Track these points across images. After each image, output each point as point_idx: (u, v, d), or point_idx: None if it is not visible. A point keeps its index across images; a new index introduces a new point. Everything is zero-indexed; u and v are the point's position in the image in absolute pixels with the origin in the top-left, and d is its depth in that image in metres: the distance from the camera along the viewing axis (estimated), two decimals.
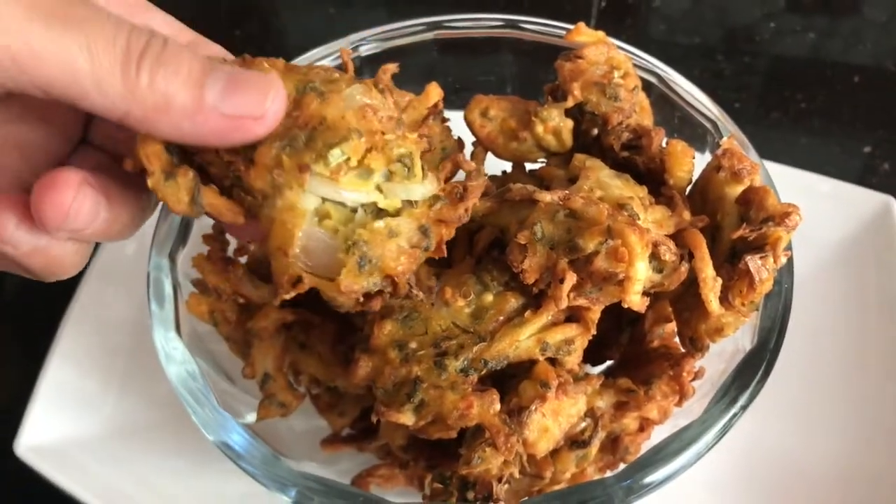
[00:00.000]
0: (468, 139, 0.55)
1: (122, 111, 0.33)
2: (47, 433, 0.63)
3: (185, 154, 0.38)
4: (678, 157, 0.48)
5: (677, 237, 0.44)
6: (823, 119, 0.90)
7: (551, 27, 0.59)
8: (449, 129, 0.53)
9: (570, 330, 0.45)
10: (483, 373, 0.43)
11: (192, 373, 0.50)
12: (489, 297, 0.45)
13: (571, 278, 0.41)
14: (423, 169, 0.40)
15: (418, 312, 0.44)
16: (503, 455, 0.43)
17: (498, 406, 0.42)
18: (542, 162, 0.54)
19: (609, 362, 0.56)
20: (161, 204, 0.50)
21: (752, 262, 0.43)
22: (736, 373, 0.48)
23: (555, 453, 0.48)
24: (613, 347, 0.54)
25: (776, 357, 0.48)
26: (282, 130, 0.37)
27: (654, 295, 0.45)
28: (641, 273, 0.40)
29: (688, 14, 1.01)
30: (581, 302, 0.42)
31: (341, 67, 0.46)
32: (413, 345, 0.44)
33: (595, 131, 0.51)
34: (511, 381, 0.45)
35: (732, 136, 0.53)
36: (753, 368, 0.47)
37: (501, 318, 0.44)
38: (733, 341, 0.49)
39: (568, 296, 0.41)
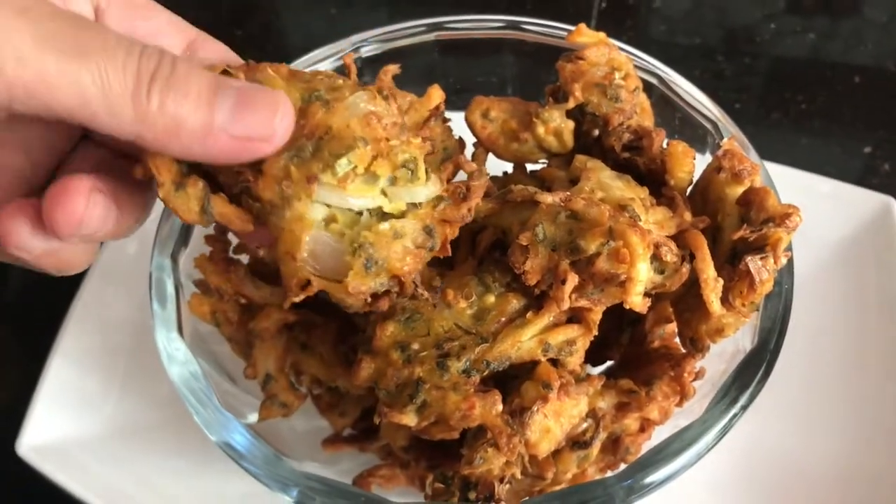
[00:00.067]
0: (469, 140, 0.55)
1: (133, 134, 0.34)
2: (49, 433, 0.63)
3: (193, 163, 0.39)
4: (679, 158, 0.48)
5: (678, 238, 0.44)
6: (824, 120, 0.90)
7: (552, 28, 0.59)
8: (450, 130, 0.53)
9: (572, 331, 0.45)
10: (485, 374, 0.43)
11: (195, 373, 0.50)
12: (491, 299, 0.45)
13: (573, 279, 0.41)
14: (426, 171, 0.40)
15: (420, 314, 0.45)
16: (505, 455, 0.43)
17: (500, 407, 0.42)
18: (543, 163, 0.55)
19: (610, 362, 0.56)
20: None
21: (753, 262, 0.43)
22: (736, 373, 0.48)
23: (556, 454, 0.48)
24: (614, 348, 0.54)
25: (776, 357, 0.48)
26: (289, 140, 0.37)
27: (655, 296, 0.45)
28: (643, 274, 0.40)
29: (688, 15, 1.01)
30: (583, 303, 0.42)
31: (342, 69, 0.47)
32: (415, 346, 0.44)
33: (596, 132, 0.51)
34: (513, 381, 0.45)
35: (733, 137, 0.53)
36: (754, 369, 0.48)
37: (503, 319, 0.44)
38: (734, 342, 0.49)
39: (570, 297, 0.41)
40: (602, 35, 0.54)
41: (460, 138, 0.54)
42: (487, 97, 0.54)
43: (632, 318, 0.53)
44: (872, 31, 0.98)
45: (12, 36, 0.30)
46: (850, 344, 0.67)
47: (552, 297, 0.42)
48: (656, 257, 0.42)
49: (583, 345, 0.46)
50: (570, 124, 0.52)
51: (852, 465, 0.62)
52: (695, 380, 0.50)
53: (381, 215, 0.39)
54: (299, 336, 0.54)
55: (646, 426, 0.50)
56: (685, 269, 0.43)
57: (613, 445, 0.51)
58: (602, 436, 0.49)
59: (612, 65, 0.52)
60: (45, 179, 0.41)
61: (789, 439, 0.63)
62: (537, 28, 0.59)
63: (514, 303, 0.44)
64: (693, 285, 0.45)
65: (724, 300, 0.44)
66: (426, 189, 0.40)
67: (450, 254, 0.41)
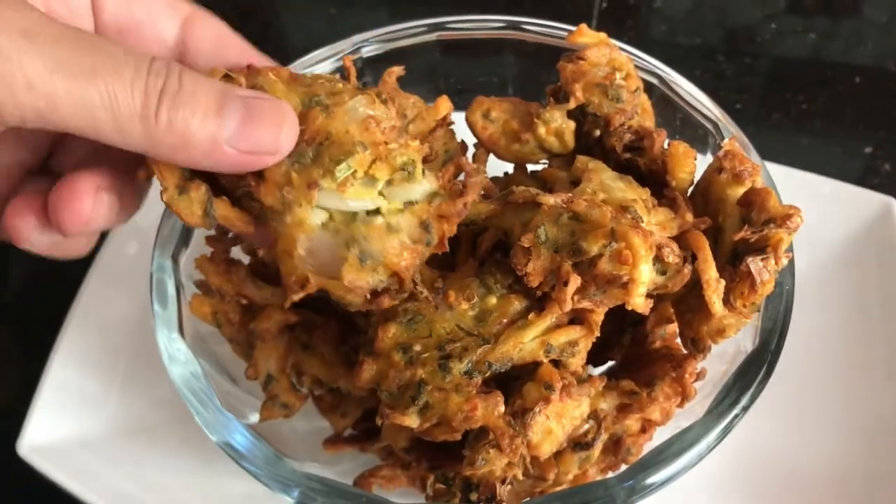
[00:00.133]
0: (470, 140, 0.55)
1: (142, 149, 0.35)
2: (49, 433, 0.63)
3: None
4: (680, 158, 0.48)
5: (680, 239, 0.44)
6: (824, 120, 0.90)
7: (553, 28, 0.59)
8: (452, 132, 0.53)
9: (574, 332, 0.45)
10: (487, 375, 0.43)
11: (196, 373, 0.50)
12: (493, 300, 0.45)
13: (575, 281, 0.41)
14: (422, 171, 0.41)
15: (422, 315, 0.45)
16: (507, 457, 0.43)
17: (502, 408, 0.42)
18: (544, 163, 0.54)
19: (611, 363, 0.56)
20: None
21: (754, 263, 0.43)
22: (737, 374, 0.48)
23: (558, 455, 0.48)
24: (615, 348, 0.54)
25: (777, 358, 0.48)
26: None
27: (656, 296, 0.45)
28: (645, 275, 0.40)
29: (689, 15, 1.01)
30: (585, 304, 0.42)
31: (343, 70, 0.47)
32: (417, 347, 0.44)
33: (597, 133, 0.51)
34: (515, 383, 0.45)
35: (734, 138, 0.53)
36: (755, 369, 0.48)
37: (505, 320, 0.44)
38: (735, 342, 0.49)
39: (572, 298, 0.41)
40: (603, 35, 0.54)
41: (462, 141, 0.54)
42: (488, 97, 0.54)
43: (633, 318, 0.53)
44: (873, 31, 0.98)
45: (22, 62, 0.31)
46: (852, 344, 0.67)
47: (554, 299, 0.42)
48: (658, 258, 0.42)
49: (585, 346, 0.45)
50: (572, 125, 0.52)
51: (854, 465, 0.62)
52: (696, 381, 0.50)
53: (377, 212, 0.39)
54: (301, 337, 0.54)
55: (647, 427, 0.50)
56: (687, 270, 0.43)
57: (615, 446, 0.51)
58: (603, 437, 0.49)
59: (613, 65, 0.52)
60: (42, 160, 0.41)
61: (790, 440, 0.63)
62: (538, 28, 0.59)
63: (516, 304, 0.44)
64: (694, 286, 0.45)
65: (726, 301, 0.44)
66: (421, 186, 0.40)
67: (447, 249, 0.41)
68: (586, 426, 0.48)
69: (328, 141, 0.38)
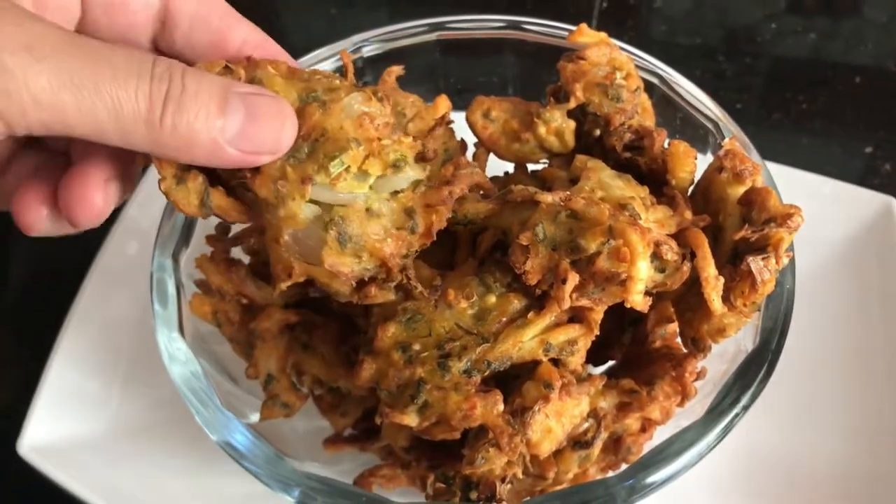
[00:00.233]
0: (470, 140, 0.55)
1: (145, 150, 0.36)
2: (50, 433, 0.63)
3: None
4: (680, 158, 0.48)
5: (679, 237, 0.44)
6: (825, 120, 0.90)
7: (553, 28, 0.59)
8: (452, 132, 0.53)
9: (574, 331, 0.45)
10: (486, 374, 0.43)
11: (196, 373, 0.50)
12: (492, 299, 0.45)
13: (574, 279, 0.41)
14: (411, 164, 0.42)
15: (421, 314, 0.45)
16: (506, 455, 0.43)
17: (501, 407, 0.42)
18: (545, 163, 0.54)
19: (611, 362, 0.56)
20: (166, 204, 0.51)
21: (754, 262, 0.43)
22: (738, 373, 0.48)
23: (558, 454, 0.48)
24: (616, 348, 0.54)
25: (778, 357, 0.48)
26: None
27: (656, 295, 0.45)
28: (643, 273, 0.40)
29: (689, 15, 1.01)
30: (584, 302, 0.42)
31: (342, 70, 0.47)
32: (416, 346, 0.44)
33: (597, 132, 0.51)
34: (514, 381, 0.45)
35: (734, 137, 0.53)
36: (755, 369, 0.48)
37: (504, 319, 0.44)
38: (735, 342, 0.49)
39: (570, 296, 0.41)
40: (603, 35, 0.54)
41: (462, 140, 0.54)
42: (488, 97, 0.54)
43: (633, 317, 0.53)
44: (873, 31, 0.98)
45: (27, 79, 0.31)
46: (852, 344, 0.67)
47: (553, 297, 0.42)
48: (657, 256, 0.42)
49: (584, 344, 0.45)
50: (572, 124, 0.52)
51: (854, 465, 0.62)
52: (696, 380, 0.50)
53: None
54: (301, 336, 0.54)
55: (647, 426, 0.50)
56: (686, 267, 0.43)
57: (615, 445, 0.51)
58: (603, 436, 0.49)
59: (613, 65, 0.52)
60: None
61: (791, 439, 0.63)
62: (538, 28, 0.59)
63: (516, 303, 0.44)
64: (694, 284, 0.45)
65: (726, 300, 0.44)
66: (405, 175, 0.41)
67: (434, 238, 0.42)
68: (586, 425, 0.48)
69: (323, 137, 0.39)
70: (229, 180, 0.41)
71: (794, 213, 0.43)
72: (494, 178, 0.56)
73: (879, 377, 0.65)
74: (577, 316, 0.45)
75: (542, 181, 0.51)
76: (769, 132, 0.89)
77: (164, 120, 0.34)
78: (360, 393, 0.53)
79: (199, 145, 0.36)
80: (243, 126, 0.36)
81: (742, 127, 0.55)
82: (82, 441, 0.64)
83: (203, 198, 0.40)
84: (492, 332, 0.44)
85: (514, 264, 0.43)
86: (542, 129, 0.51)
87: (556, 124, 0.51)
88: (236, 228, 0.53)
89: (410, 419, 0.43)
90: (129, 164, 0.40)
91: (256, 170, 0.39)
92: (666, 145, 0.49)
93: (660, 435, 0.49)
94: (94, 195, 0.38)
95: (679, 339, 0.51)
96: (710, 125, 0.56)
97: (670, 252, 0.42)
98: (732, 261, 0.45)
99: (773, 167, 0.59)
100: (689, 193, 0.49)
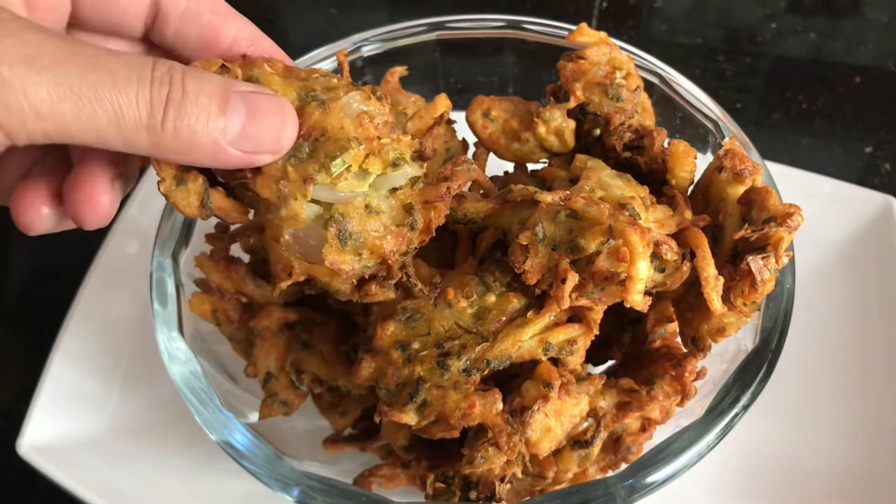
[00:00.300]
0: (472, 139, 0.55)
1: (147, 154, 0.36)
2: (49, 433, 0.63)
3: None
4: (680, 157, 0.48)
5: (679, 236, 0.44)
6: (825, 120, 0.90)
7: (553, 28, 0.59)
8: (453, 131, 0.53)
9: (573, 330, 0.45)
10: (486, 373, 0.43)
11: (195, 372, 0.50)
12: (492, 298, 0.45)
13: (573, 278, 0.41)
14: (409, 161, 0.42)
15: (421, 313, 0.45)
16: (506, 455, 0.43)
17: (500, 406, 0.42)
18: (544, 162, 0.54)
19: (611, 362, 0.56)
20: (165, 204, 0.51)
21: (754, 262, 0.43)
22: (738, 373, 0.48)
23: (557, 453, 0.48)
24: (615, 347, 0.54)
25: (778, 357, 0.48)
26: None
27: (656, 295, 0.45)
28: (643, 272, 0.40)
29: (689, 15, 1.01)
30: (583, 302, 0.42)
31: (337, 70, 0.47)
32: (416, 345, 0.44)
33: (597, 132, 0.51)
34: (514, 381, 0.45)
35: (734, 137, 0.53)
36: (755, 368, 0.47)
37: (504, 318, 0.44)
38: (735, 341, 0.49)
39: (570, 296, 0.41)
40: (603, 34, 0.54)
41: (464, 139, 0.54)
42: (488, 97, 0.54)
43: (633, 317, 0.53)
44: (873, 31, 0.98)
45: (27, 92, 0.31)
46: (852, 343, 0.67)
47: (552, 297, 0.42)
48: (656, 255, 0.42)
49: (584, 344, 0.45)
50: (572, 124, 0.52)
51: (853, 464, 0.62)
52: (696, 379, 0.50)
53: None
54: (300, 335, 0.54)
55: (647, 426, 0.50)
56: (686, 267, 0.43)
57: (614, 445, 0.51)
58: (603, 435, 0.49)
59: (613, 64, 0.52)
60: None
61: (790, 439, 0.63)
62: (538, 27, 0.59)
63: (515, 302, 0.44)
64: (694, 284, 0.45)
65: (726, 300, 0.44)
66: (403, 171, 0.41)
67: (433, 235, 0.42)
68: (585, 424, 0.48)
69: (324, 137, 0.39)
70: (229, 181, 0.41)
71: (793, 212, 0.43)
72: (494, 178, 0.56)
73: (879, 377, 0.65)
74: (576, 315, 0.45)
75: (542, 181, 0.51)
76: (769, 132, 0.89)
77: (165, 124, 0.34)
78: (359, 392, 0.53)
79: (201, 148, 0.36)
80: (244, 126, 0.36)
81: (742, 126, 0.55)
82: (82, 440, 0.64)
83: (203, 199, 0.40)
84: (491, 331, 0.44)
85: (513, 264, 0.43)
86: (541, 129, 0.51)
87: (556, 124, 0.51)
88: (235, 226, 0.53)
89: (409, 418, 0.43)
90: (130, 163, 0.40)
91: (258, 170, 0.39)
92: (666, 145, 0.49)
93: (660, 434, 0.49)
94: (101, 196, 0.38)
95: (679, 339, 0.51)
96: (709, 125, 0.56)
97: (670, 252, 0.42)
98: (732, 260, 0.45)
99: (772, 167, 0.59)
100: (688, 193, 0.49)
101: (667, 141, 0.49)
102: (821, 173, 0.73)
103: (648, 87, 0.56)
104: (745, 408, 0.46)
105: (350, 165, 0.39)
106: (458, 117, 0.54)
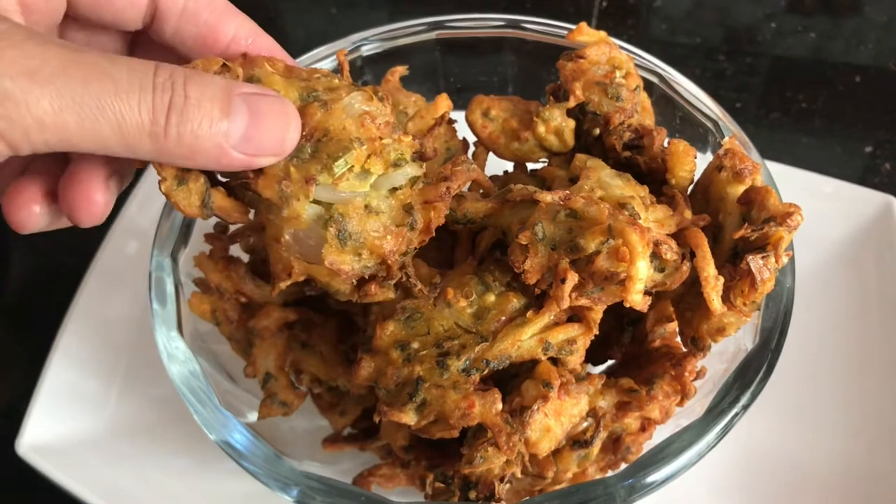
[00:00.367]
0: (472, 139, 0.55)
1: (150, 159, 0.36)
2: (49, 432, 0.63)
3: None
4: (680, 156, 0.48)
5: (679, 236, 0.44)
6: (825, 119, 0.90)
7: (553, 27, 0.59)
8: (454, 130, 0.53)
9: (573, 330, 0.45)
10: (485, 373, 0.43)
11: (194, 372, 0.50)
12: (491, 298, 0.45)
13: (573, 278, 0.41)
14: (409, 161, 0.42)
15: (420, 313, 0.44)
16: (505, 455, 0.43)
17: (500, 406, 0.42)
18: (544, 162, 0.54)
19: (611, 362, 0.56)
20: (165, 203, 0.51)
21: (754, 261, 0.43)
22: (737, 372, 0.48)
23: (556, 453, 0.48)
24: (615, 347, 0.54)
25: (778, 357, 0.48)
26: None
27: (655, 294, 0.45)
28: (643, 272, 0.40)
29: (689, 14, 1.01)
30: (583, 302, 0.42)
31: (337, 70, 0.47)
32: (415, 345, 0.44)
33: (597, 131, 0.51)
34: (513, 380, 0.45)
35: (734, 136, 0.53)
36: (755, 368, 0.47)
37: (503, 318, 0.44)
38: (735, 341, 0.49)
39: (570, 296, 0.41)
40: (603, 34, 0.54)
41: (464, 139, 0.54)
42: (488, 96, 0.54)
43: (633, 317, 0.53)
44: (873, 30, 0.98)
45: (30, 104, 0.31)
46: (852, 343, 0.67)
47: (552, 296, 0.42)
48: (656, 255, 0.42)
49: (583, 344, 0.45)
50: (571, 123, 0.52)
51: (853, 464, 0.62)
52: (696, 379, 0.50)
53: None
54: (299, 335, 0.54)
55: (647, 425, 0.50)
56: (685, 266, 0.43)
57: (614, 445, 0.51)
58: (602, 435, 0.48)
59: (612, 63, 0.52)
60: None
61: (790, 438, 0.63)
62: (538, 27, 0.59)
63: (515, 302, 0.44)
64: (694, 284, 0.44)
65: (726, 299, 0.44)
66: (403, 171, 0.41)
67: (433, 235, 0.42)
68: (585, 424, 0.48)
69: (326, 137, 0.39)
70: (230, 181, 0.41)
71: (793, 211, 0.43)
72: (494, 178, 0.55)
73: (879, 376, 0.65)
74: (576, 315, 0.45)
75: (542, 180, 0.51)
76: (769, 131, 0.89)
77: (168, 130, 0.34)
78: (358, 391, 0.53)
79: (205, 152, 0.36)
80: (248, 129, 0.36)
81: (742, 126, 0.55)
82: (82, 440, 0.64)
83: (204, 199, 0.40)
84: (491, 330, 0.44)
85: (513, 263, 0.43)
86: (541, 128, 0.51)
87: (556, 123, 0.51)
88: (234, 226, 0.53)
89: (409, 417, 0.43)
90: (126, 161, 0.40)
91: (260, 171, 0.39)
92: (665, 144, 0.49)
93: (659, 434, 0.49)
94: (96, 195, 0.38)
95: (679, 339, 0.51)
96: (709, 124, 0.56)
97: (670, 252, 0.42)
98: (732, 260, 0.45)
99: (772, 166, 0.59)
100: (688, 192, 0.49)
101: (666, 140, 0.49)
102: (821, 173, 0.73)
103: (648, 86, 0.56)
104: (745, 407, 0.46)
105: (352, 166, 0.39)
106: (458, 117, 0.54)
